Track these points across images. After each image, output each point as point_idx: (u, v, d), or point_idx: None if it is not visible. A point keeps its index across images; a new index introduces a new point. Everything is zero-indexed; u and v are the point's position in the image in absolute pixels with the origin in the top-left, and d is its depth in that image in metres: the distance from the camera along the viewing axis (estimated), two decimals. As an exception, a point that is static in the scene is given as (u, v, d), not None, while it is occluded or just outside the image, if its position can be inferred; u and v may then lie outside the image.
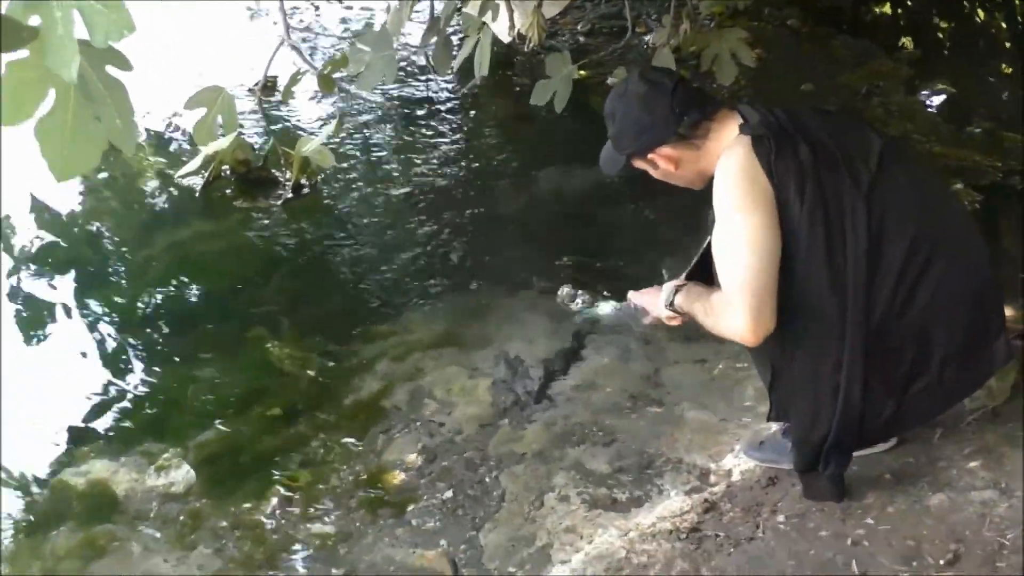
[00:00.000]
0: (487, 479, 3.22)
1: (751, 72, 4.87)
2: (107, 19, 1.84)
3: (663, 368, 3.73)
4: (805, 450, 2.58)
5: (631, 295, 2.86)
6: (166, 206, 5.33)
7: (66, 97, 1.94)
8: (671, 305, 2.60)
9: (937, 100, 6.01)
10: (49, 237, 4.99)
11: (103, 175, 5.42)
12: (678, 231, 4.29)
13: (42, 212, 5.13)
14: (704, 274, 2.57)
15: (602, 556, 2.73)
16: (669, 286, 2.64)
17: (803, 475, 2.67)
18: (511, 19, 3.48)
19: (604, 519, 2.96)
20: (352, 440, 3.48)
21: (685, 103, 2.48)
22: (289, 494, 3.24)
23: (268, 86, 5.58)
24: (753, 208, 2.33)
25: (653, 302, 2.70)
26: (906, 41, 6.88)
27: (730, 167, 2.38)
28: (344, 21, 7.67)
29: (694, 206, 2.68)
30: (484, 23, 3.49)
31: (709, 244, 2.49)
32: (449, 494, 3.17)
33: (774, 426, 2.97)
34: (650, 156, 2.54)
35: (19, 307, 4.42)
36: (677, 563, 2.59)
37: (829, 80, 6.16)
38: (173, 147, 5.77)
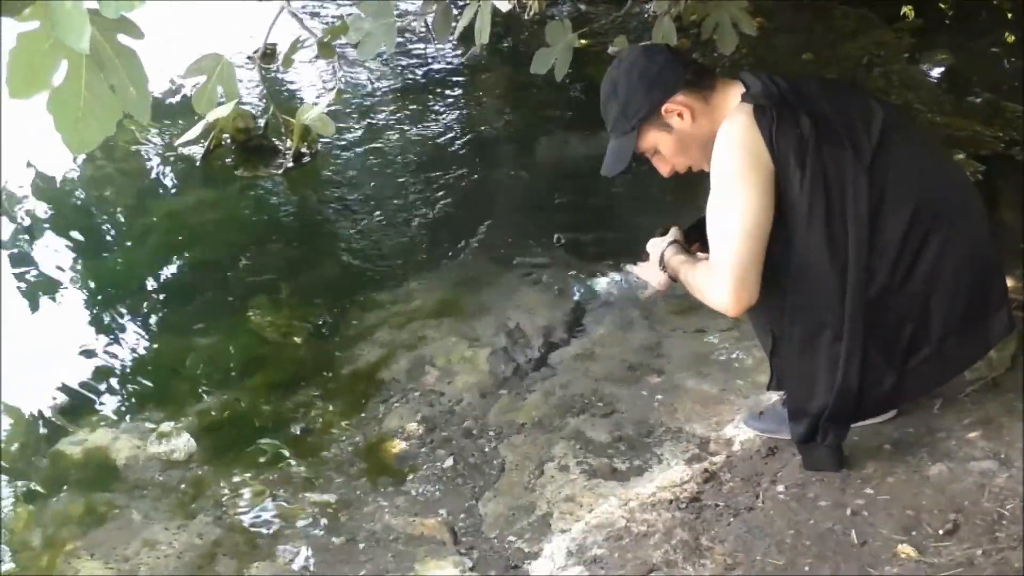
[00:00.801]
0: (487, 448, 3.23)
1: (752, 41, 4.84)
2: (117, -11, 1.86)
3: (663, 338, 3.73)
4: (803, 420, 2.58)
5: (629, 268, 2.86)
6: (166, 175, 5.32)
7: (78, 68, 1.94)
8: (662, 261, 2.61)
9: (938, 70, 5.98)
10: (48, 205, 4.99)
11: (104, 147, 5.38)
12: (678, 199, 4.28)
13: (42, 181, 5.13)
14: (703, 236, 2.55)
15: (602, 525, 2.73)
16: (661, 243, 2.65)
17: (802, 445, 2.67)
18: (510, -13, 3.44)
19: (604, 488, 2.97)
20: (352, 409, 3.49)
21: (683, 57, 2.51)
22: (289, 462, 3.25)
23: (268, 54, 5.55)
24: (749, 179, 2.32)
25: (649, 272, 2.70)
26: (907, 11, 6.83)
27: (730, 136, 2.36)
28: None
29: (693, 175, 2.65)
30: (484, -9, 3.45)
31: None
32: (449, 463, 3.18)
33: (774, 396, 2.98)
34: (664, 112, 2.46)
35: (18, 276, 4.42)
36: (677, 532, 2.59)
37: (830, 50, 6.14)
38: (173, 116, 5.74)
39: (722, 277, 2.33)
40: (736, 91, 2.44)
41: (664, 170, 2.61)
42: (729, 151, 2.35)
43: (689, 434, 3.15)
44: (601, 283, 4.13)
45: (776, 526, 2.52)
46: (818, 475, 2.66)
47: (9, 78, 1.89)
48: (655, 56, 2.48)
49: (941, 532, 2.38)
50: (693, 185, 2.70)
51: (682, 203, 3.77)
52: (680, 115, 2.46)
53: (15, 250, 4.59)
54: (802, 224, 2.34)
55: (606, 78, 2.56)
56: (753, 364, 3.40)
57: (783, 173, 2.32)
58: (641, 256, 2.78)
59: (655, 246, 2.68)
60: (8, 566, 2.89)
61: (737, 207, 2.32)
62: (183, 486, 3.17)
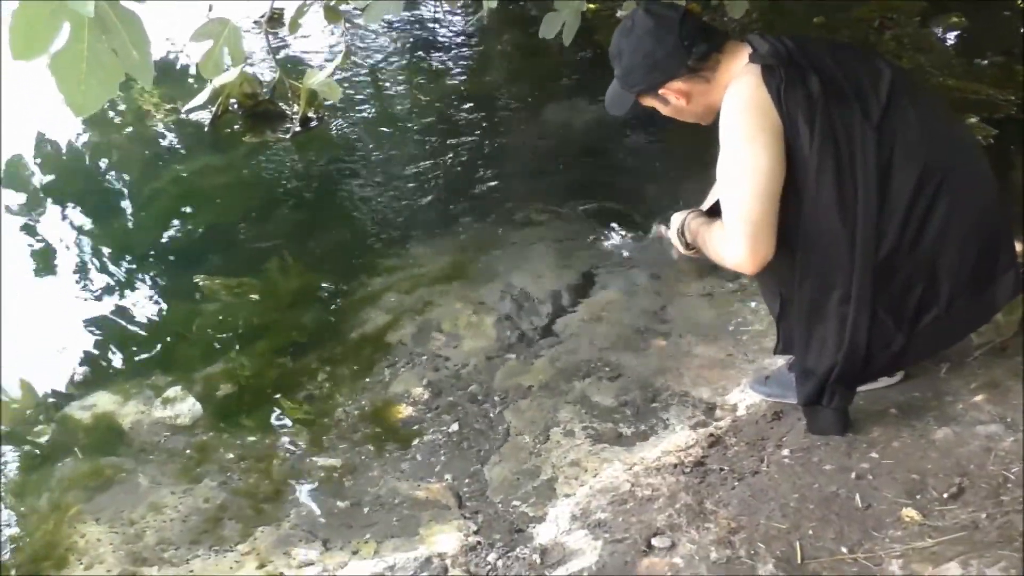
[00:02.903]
0: (492, 413, 3.24)
1: (763, 5, 4.79)
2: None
3: (670, 302, 3.73)
4: (810, 382, 2.57)
5: (658, 226, 2.85)
6: (174, 140, 5.34)
7: (81, 31, 1.95)
8: (682, 236, 2.60)
9: (951, 34, 5.93)
10: (56, 171, 5.00)
11: (111, 113, 5.41)
12: (687, 161, 4.26)
13: (50, 147, 5.14)
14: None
15: (606, 489, 2.74)
16: (677, 218, 2.63)
17: (808, 409, 2.66)
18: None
19: (609, 453, 2.97)
20: (358, 373, 3.50)
21: (693, 35, 2.43)
22: (295, 427, 3.26)
23: (274, 18, 5.54)
24: (758, 138, 2.30)
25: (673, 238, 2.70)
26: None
27: (738, 96, 2.34)
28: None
29: (701, 139, 2.65)
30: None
31: None
32: (455, 428, 3.19)
33: (780, 361, 2.97)
34: (661, 92, 2.50)
35: (26, 242, 4.43)
36: (681, 496, 2.60)
37: (842, 13, 6.08)
38: (181, 81, 5.74)
39: (736, 235, 2.32)
40: (744, 53, 2.41)
41: (664, 113, 2.62)
42: (737, 111, 2.34)
43: (695, 399, 3.16)
44: (607, 247, 4.12)
45: (780, 490, 2.52)
46: (823, 439, 2.66)
47: (11, 40, 1.90)
48: (664, 37, 2.43)
49: (946, 496, 2.36)
50: (701, 152, 2.68)
51: (691, 168, 3.75)
52: (676, 96, 2.49)
53: (24, 217, 4.59)
54: (812, 183, 2.32)
55: (614, 40, 2.54)
56: (760, 329, 3.40)
57: (792, 132, 2.31)
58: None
59: (677, 215, 2.67)
60: (14, 530, 2.92)
61: (747, 166, 2.31)
62: (188, 451, 3.18)
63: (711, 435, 2.89)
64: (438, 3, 6.23)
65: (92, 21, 1.93)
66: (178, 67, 5.99)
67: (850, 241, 2.35)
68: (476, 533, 2.75)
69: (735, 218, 2.33)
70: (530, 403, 3.26)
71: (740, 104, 2.33)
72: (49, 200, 4.78)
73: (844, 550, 2.27)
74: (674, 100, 2.50)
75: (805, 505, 2.45)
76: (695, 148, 2.95)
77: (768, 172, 2.30)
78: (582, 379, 3.34)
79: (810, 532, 2.35)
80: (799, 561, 2.27)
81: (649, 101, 2.56)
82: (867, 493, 2.43)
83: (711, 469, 2.71)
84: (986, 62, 5.37)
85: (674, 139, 4.50)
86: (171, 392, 3.42)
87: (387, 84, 5.77)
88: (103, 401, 3.41)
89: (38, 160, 5.05)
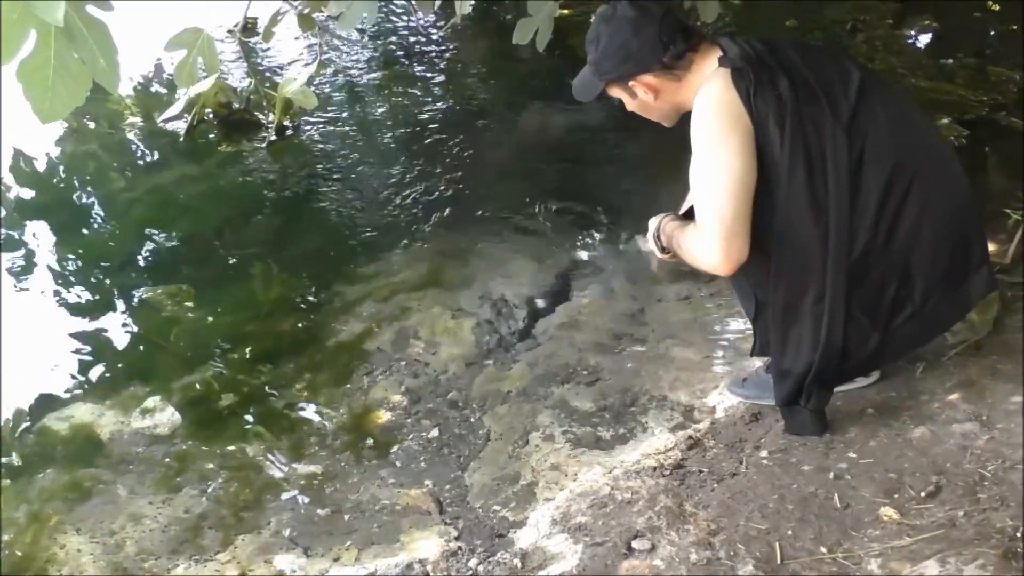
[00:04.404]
0: (472, 419, 3.26)
1: (735, 8, 4.82)
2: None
3: (647, 306, 3.75)
4: (787, 383, 2.60)
5: (638, 239, 2.88)
6: (149, 150, 5.34)
7: (48, 38, 1.98)
8: (658, 239, 2.61)
9: (923, 36, 5.98)
10: (31, 182, 4.99)
11: (88, 122, 5.41)
12: (662, 166, 4.28)
13: (23, 158, 5.13)
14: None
15: (586, 493, 2.75)
16: (653, 222, 2.65)
17: (785, 409, 2.69)
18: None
19: (588, 457, 2.99)
20: (337, 381, 3.51)
21: (672, 32, 2.45)
22: (275, 435, 3.26)
23: (248, 27, 5.56)
24: (729, 140, 2.33)
25: (648, 244, 2.71)
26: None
27: (709, 99, 2.37)
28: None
29: (674, 144, 2.66)
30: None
31: None
32: (434, 434, 3.20)
33: (757, 362, 3.00)
34: (631, 84, 2.52)
35: (3, 253, 4.41)
36: (661, 499, 2.61)
37: (814, 15, 6.13)
38: (155, 92, 5.74)
39: (710, 237, 2.34)
40: (714, 56, 2.44)
41: (629, 108, 2.64)
42: (708, 114, 2.36)
43: (673, 402, 3.18)
44: (584, 252, 4.15)
45: (759, 491, 2.54)
46: (801, 440, 2.68)
47: None
48: (643, 29, 2.45)
49: (923, 494, 2.39)
50: (675, 157, 2.69)
51: (665, 173, 3.77)
52: (645, 90, 2.51)
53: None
54: (783, 184, 2.35)
55: (594, 25, 2.57)
56: (736, 331, 3.42)
57: (763, 134, 2.33)
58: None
59: (653, 220, 2.68)
60: (-7, 541, 2.91)
61: (719, 167, 2.33)
62: (168, 460, 3.18)
63: (690, 438, 2.91)
64: (412, 12, 6.25)
65: (59, 29, 1.95)
66: (152, 76, 5.98)
67: (823, 241, 2.37)
68: (457, 539, 2.76)
69: (709, 220, 2.34)
70: (509, 408, 3.27)
71: (711, 107, 2.36)
72: (23, 209, 4.77)
73: (823, 550, 2.29)
74: (642, 94, 2.52)
75: (784, 506, 2.47)
76: (669, 153, 2.96)
77: (740, 174, 2.32)
78: (561, 384, 3.36)
79: (789, 532, 2.37)
80: (779, 561, 2.28)
81: (617, 92, 2.58)
82: (845, 493, 2.45)
83: (690, 471, 2.73)
84: (958, 63, 5.41)
85: (649, 144, 4.52)
86: (149, 402, 3.41)
87: (362, 92, 5.78)
88: (81, 412, 3.40)
89: (13, 172, 5.04)
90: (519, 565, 2.54)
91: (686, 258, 2.50)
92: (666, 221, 2.61)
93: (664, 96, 2.51)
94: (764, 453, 2.70)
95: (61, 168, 5.17)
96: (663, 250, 2.62)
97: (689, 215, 2.53)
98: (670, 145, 2.74)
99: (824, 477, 2.53)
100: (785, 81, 2.36)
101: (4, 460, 3.24)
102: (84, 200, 4.94)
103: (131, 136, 5.45)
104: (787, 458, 2.64)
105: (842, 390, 2.73)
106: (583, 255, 4.15)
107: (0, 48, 1.96)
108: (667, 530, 2.48)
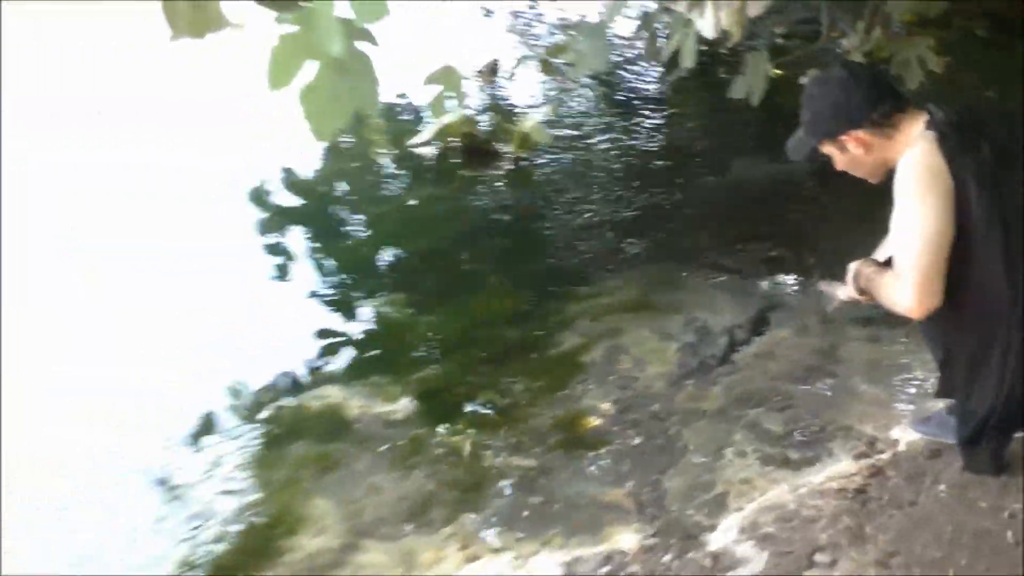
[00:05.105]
0: (672, 431, 3.48)
1: (936, 77, 4.88)
2: (369, 6, 2.21)
3: (839, 344, 3.90)
4: (970, 424, 2.72)
5: (820, 284, 3.03)
6: (398, 171, 5.90)
7: (326, 68, 2.27)
8: (856, 281, 2.77)
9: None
10: (294, 196, 5.61)
11: (346, 144, 6.02)
12: (854, 218, 4.38)
13: (289, 175, 5.77)
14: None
15: (773, 507, 2.94)
16: (852, 266, 2.81)
17: (965, 448, 2.81)
18: (716, 16, 3.65)
19: (777, 475, 3.18)
20: (553, 386, 3.80)
21: (882, 91, 2.62)
22: (495, 429, 3.58)
23: (493, 69, 6.07)
24: (931, 198, 2.46)
25: (840, 287, 2.89)
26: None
27: (915, 160, 2.51)
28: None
29: (867, 197, 2.83)
30: (690, 19, 3.72)
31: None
32: (638, 441, 3.44)
33: (940, 403, 3.11)
34: (842, 138, 2.65)
35: (271, 257, 4.98)
36: (843, 519, 2.77)
37: (1012, 87, 6.05)
38: (401, 120, 6.33)
39: (907, 282, 2.49)
40: (922, 119, 2.58)
41: (838, 167, 2.79)
42: (914, 173, 2.51)
43: (859, 432, 3.31)
44: (781, 290, 4.36)
45: (936, 521, 2.67)
46: (978, 478, 2.79)
47: (270, 72, 2.25)
48: (855, 88, 2.61)
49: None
50: (866, 210, 2.85)
51: (856, 224, 3.90)
52: (856, 144, 2.66)
53: (267, 234, 5.18)
54: (980, 244, 2.48)
55: (808, 86, 2.74)
56: (922, 373, 3.53)
57: (963, 195, 2.46)
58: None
59: (852, 264, 2.83)
60: (255, 495, 3.36)
61: (919, 221, 2.48)
62: (402, 443, 3.54)
63: (872, 466, 3.04)
64: (638, 62, 6.56)
65: (333, 60, 2.22)
66: (399, 108, 6.58)
67: (1013, 300, 2.49)
68: (653, 536, 2.95)
69: (907, 267, 2.50)
70: (706, 424, 3.48)
71: (917, 167, 2.50)
72: (287, 219, 5.33)
73: (995, 582, 2.40)
74: (852, 148, 2.64)
75: (959, 537, 2.59)
76: (860, 207, 3.13)
77: (938, 229, 2.45)
78: (755, 407, 3.54)
79: (963, 563, 2.50)
80: (952, 588, 2.41)
81: (829, 148, 2.70)
82: (1019, 531, 2.56)
83: (871, 497, 2.86)
84: None
85: (842, 197, 4.66)
86: (389, 391, 3.81)
87: (589, 131, 6.19)
88: (332, 394, 3.83)
89: (282, 185, 5.67)
90: (709, 565, 2.73)
91: (882, 299, 2.65)
92: (863, 265, 2.76)
93: (874, 152, 2.63)
94: (943, 487, 2.81)
95: (321, 185, 5.77)
96: (860, 292, 2.77)
97: (886, 263, 2.69)
98: (861, 200, 2.91)
99: (999, 515, 2.63)
100: (986, 148, 2.49)
101: (266, 430, 3.68)
102: (339, 213, 5.53)
103: (381, 158, 6.00)
104: (964, 493, 2.75)
105: (1021, 435, 2.82)
106: (780, 293, 4.34)
107: (282, 75, 2.24)
108: (848, 548, 2.63)
